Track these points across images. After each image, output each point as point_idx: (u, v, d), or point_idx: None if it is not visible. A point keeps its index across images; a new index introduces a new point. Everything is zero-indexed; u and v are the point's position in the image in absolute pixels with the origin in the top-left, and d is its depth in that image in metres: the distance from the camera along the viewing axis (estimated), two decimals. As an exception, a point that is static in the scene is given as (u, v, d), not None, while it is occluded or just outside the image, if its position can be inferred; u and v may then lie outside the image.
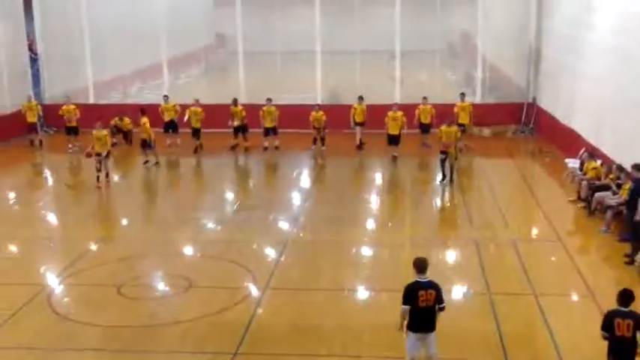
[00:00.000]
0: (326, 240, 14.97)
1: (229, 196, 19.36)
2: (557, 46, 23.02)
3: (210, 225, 16.45)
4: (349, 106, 23.12)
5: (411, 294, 8.77)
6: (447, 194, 18.80)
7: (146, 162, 21.22)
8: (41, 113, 24.46)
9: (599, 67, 18.74)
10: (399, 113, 21.38)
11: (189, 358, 10.31)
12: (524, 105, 25.03)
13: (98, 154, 19.07)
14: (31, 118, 23.97)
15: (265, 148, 22.71)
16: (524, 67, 25.22)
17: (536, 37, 24.74)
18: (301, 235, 15.60)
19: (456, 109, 22.26)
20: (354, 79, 27.36)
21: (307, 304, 11.88)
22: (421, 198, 18.54)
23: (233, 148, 22.91)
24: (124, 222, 17.21)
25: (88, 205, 18.33)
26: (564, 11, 22.28)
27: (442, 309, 8.93)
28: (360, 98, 22.85)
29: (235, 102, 22.85)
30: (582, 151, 18.10)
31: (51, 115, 25.02)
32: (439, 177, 19.08)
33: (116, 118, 23.44)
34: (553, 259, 13.82)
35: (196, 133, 22.72)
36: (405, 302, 8.80)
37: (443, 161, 18.79)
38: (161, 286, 13.07)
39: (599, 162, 16.88)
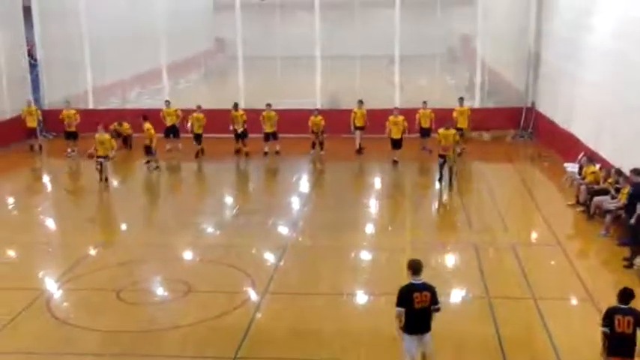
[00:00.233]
0: (325, 244, 14.98)
1: (229, 200, 19.36)
2: (556, 51, 23.05)
3: (210, 229, 16.45)
4: (348, 111, 23.16)
5: (405, 296, 8.80)
6: (446, 198, 18.83)
7: (148, 162, 21.38)
8: (41, 118, 24.47)
9: (599, 72, 18.76)
10: (400, 117, 21.47)
11: (188, 363, 10.30)
12: (523, 109, 25.06)
13: (99, 157, 19.30)
14: (31, 123, 23.98)
15: (265, 153, 22.72)
16: (523, 72, 25.26)
17: (535, 41, 24.78)
18: (300, 239, 15.59)
19: (454, 114, 22.29)
20: (353, 83, 27.38)
21: (306, 309, 11.88)
22: (421, 202, 18.55)
23: (237, 152, 22.92)
24: (123, 227, 17.21)
25: (87, 209, 18.33)
26: (564, 15, 22.32)
27: (437, 310, 8.97)
28: (360, 102, 22.88)
29: (236, 106, 22.89)
30: (581, 155, 18.12)
31: (50, 120, 25.05)
32: (437, 176, 19.21)
33: (115, 123, 23.50)
34: (552, 263, 13.82)
35: (198, 138, 22.76)
36: (399, 304, 8.83)
37: (442, 165, 18.92)
38: (160, 290, 13.05)
39: (597, 166, 16.90)
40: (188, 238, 15.44)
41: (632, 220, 13.48)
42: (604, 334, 8.47)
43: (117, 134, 23.31)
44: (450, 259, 14.39)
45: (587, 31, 19.73)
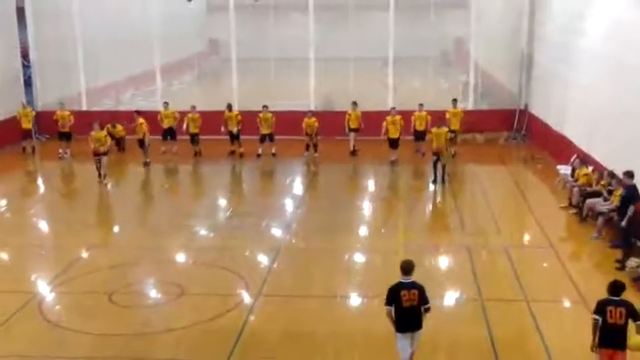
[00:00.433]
0: (319, 247, 14.98)
1: (222, 202, 19.34)
2: (549, 53, 23.12)
3: (203, 232, 16.43)
4: (342, 113, 23.18)
5: (393, 294, 9.00)
6: (439, 201, 18.89)
7: (146, 162, 21.93)
8: (35, 120, 24.39)
9: (591, 74, 18.82)
10: (398, 117, 21.64)
11: (181, 366, 10.29)
12: (516, 111, 25.12)
13: (97, 154, 19.70)
14: (26, 124, 23.95)
15: (259, 155, 22.72)
16: (516, 74, 25.33)
17: (528, 44, 24.85)
18: (294, 241, 15.59)
19: (447, 115, 22.34)
20: (347, 85, 27.40)
21: (300, 311, 11.88)
22: (414, 204, 18.58)
23: (232, 153, 22.94)
24: (116, 229, 17.19)
25: (80, 212, 18.29)
26: (556, 18, 22.38)
27: (427, 309, 9.11)
28: (354, 104, 22.91)
29: (230, 107, 22.90)
30: (574, 157, 18.17)
31: (44, 122, 24.97)
32: (431, 178, 19.38)
33: (109, 125, 23.37)
34: (545, 265, 13.86)
35: (195, 138, 22.85)
36: (387, 303, 9.04)
37: (435, 162, 19.22)
38: (153, 293, 13.03)
39: (590, 168, 16.95)
40: (181, 241, 15.41)
41: (624, 223, 13.55)
42: (595, 323, 8.60)
43: (110, 136, 23.23)
44: (443, 262, 14.42)
45: (580, 34, 19.79)
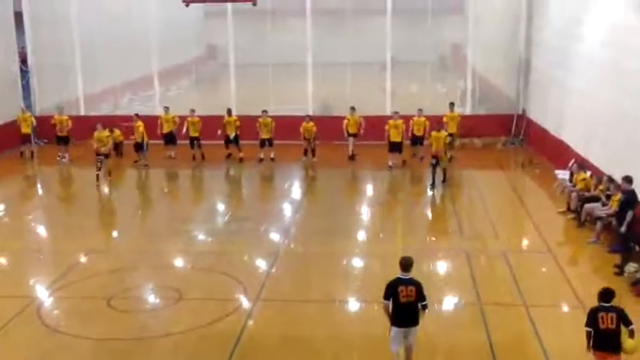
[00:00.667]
0: (317, 251, 14.97)
1: (221, 207, 19.34)
2: (546, 58, 23.17)
3: (202, 236, 16.43)
4: (340, 118, 23.22)
5: (391, 289, 9.19)
6: (437, 205, 18.91)
7: (136, 161, 22.40)
8: (35, 125, 24.40)
9: (589, 79, 18.87)
10: (400, 121, 21.71)
11: (179, 371, 10.28)
12: (514, 116, 25.16)
13: (98, 154, 20.03)
14: (25, 129, 23.96)
15: (260, 159, 22.75)
16: (514, 79, 25.38)
17: (525, 48, 24.92)
18: (292, 246, 15.59)
19: (445, 119, 22.38)
20: (345, 90, 27.43)
21: (298, 316, 11.87)
22: (412, 209, 18.58)
23: (228, 157, 22.97)
24: (115, 234, 17.17)
25: (79, 216, 18.25)
26: (554, 23, 22.44)
27: (424, 307, 9.25)
28: (352, 109, 22.95)
29: (229, 112, 22.95)
30: (572, 162, 18.20)
31: (42, 127, 24.93)
32: (429, 182, 19.53)
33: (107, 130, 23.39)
34: (543, 270, 13.88)
35: (196, 141, 22.95)
36: (385, 297, 9.21)
37: (434, 166, 19.34)
38: (152, 298, 13.00)
39: (588, 173, 16.97)
40: (180, 245, 15.41)
41: (623, 228, 13.56)
42: (588, 334, 8.82)
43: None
44: (442, 266, 14.41)
45: (578, 39, 19.84)
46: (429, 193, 19.34)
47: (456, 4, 31.32)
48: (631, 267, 12.75)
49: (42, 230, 17.59)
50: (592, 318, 8.84)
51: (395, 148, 21.72)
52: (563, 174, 18.43)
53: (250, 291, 12.71)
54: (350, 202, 19.18)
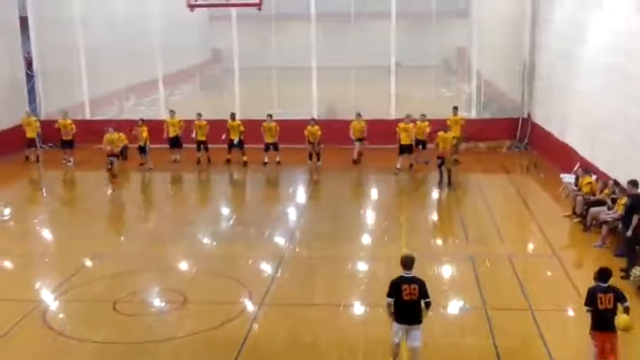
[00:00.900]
0: (322, 255, 14.95)
1: (225, 211, 19.36)
2: (551, 62, 23.14)
3: (206, 240, 16.44)
4: (345, 121, 23.24)
5: (394, 287, 9.35)
6: (442, 209, 18.88)
7: (142, 164, 22.66)
8: (40, 129, 24.46)
9: (594, 83, 18.84)
10: (411, 125, 21.79)
11: (184, 374, 10.28)
12: (519, 120, 25.14)
13: (109, 156, 20.37)
14: (30, 133, 24.03)
15: (265, 163, 22.78)
16: (518, 83, 25.35)
17: (530, 53, 24.88)
18: (297, 250, 15.56)
19: (448, 123, 22.33)
20: (349, 94, 27.45)
21: (303, 320, 11.85)
22: (417, 213, 18.56)
23: (228, 161, 23.00)
24: (120, 237, 17.18)
25: (84, 220, 18.27)
26: (558, 28, 22.42)
27: (428, 304, 9.38)
28: (358, 115, 22.94)
29: (233, 116, 22.97)
30: (577, 166, 18.17)
31: (47, 131, 24.99)
32: (436, 180, 20.12)
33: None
34: (549, 273, 13.85)
35: (203, 145, 23.01)
36: (389, 295, 9.38)
37: (440, 165, 19.97)
38: (157, 301, 13.01)
39: (594, 177, 16.93)
40: (184, 249, 15.42)
41: (629, 232, 13.50)
42: (588, 312, 9.32)
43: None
44: (447, 270, 14.37)
45: (582, 43, 19.83)
46: (436, 193, 19.37)
47: (461, 9, 31.39)
48: (637, 271, 12.70)
49: (47, 234, 17.63)
50: (591, 298, 9.22)
51: (404, 150, 21.82)
52: (568, 178, 18.40)
53: (255, 295, 12.70)
54: (355, 206, 19.17)
